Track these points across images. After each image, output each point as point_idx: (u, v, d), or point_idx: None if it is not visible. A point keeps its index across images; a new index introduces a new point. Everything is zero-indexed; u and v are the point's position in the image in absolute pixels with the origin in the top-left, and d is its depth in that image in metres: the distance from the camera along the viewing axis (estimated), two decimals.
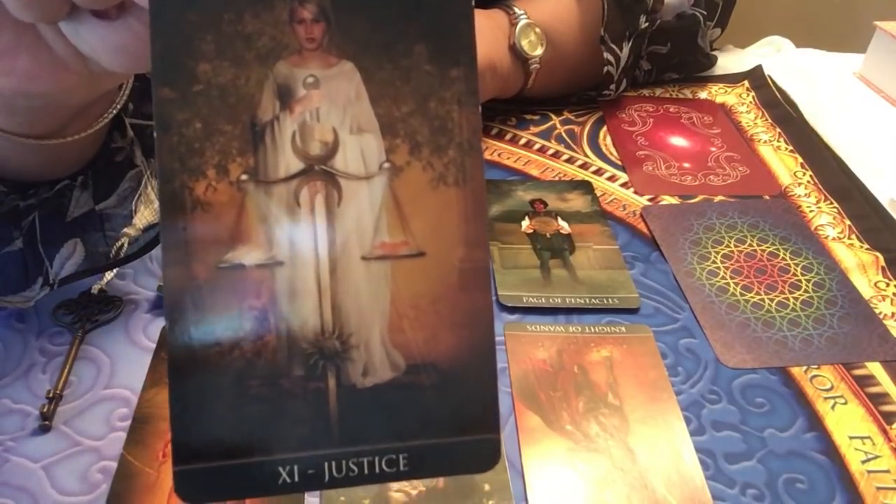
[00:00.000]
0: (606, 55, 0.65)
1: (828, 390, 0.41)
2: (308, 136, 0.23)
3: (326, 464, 0.22)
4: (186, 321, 0.22)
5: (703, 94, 0.73)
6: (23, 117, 0.33)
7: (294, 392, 0.22)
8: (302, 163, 0.22)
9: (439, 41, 0.23)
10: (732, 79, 0.75)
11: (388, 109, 0.23)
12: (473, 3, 0.23)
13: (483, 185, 0.23)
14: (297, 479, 0.22)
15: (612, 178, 0.60)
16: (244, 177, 0.22)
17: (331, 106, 0.23)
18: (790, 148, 0.64)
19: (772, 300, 0.47)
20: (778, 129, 0.67)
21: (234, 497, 0.23)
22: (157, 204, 0.42)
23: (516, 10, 0.62)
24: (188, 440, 0.22)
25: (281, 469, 0.22)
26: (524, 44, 0.61)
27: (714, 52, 0.77)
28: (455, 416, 0.23)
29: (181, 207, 0.22)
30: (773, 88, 0.72)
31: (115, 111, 0.38)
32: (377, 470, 0.23)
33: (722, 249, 0.52)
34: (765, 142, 0.65)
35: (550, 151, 0.63)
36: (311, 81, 0.23)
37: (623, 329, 0.44)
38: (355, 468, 0.23)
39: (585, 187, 0.58)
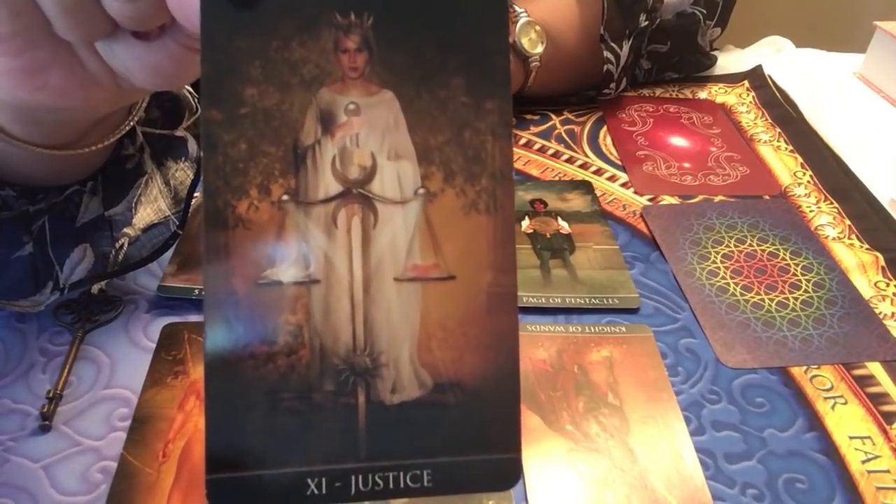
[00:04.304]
0: (606, 53, 0.65)
1: (828, 390, 0.41)
2: (348, 160, 0.24)
3: (353, 477, 0.23)
4: (224, 334, 0.23)
5: (703, 94, 0.73)
6: (44, 128, 0.34)
7: (325, 406, 0.23)
8: (341, 186, 0.23)
9: (476, 74, 0.24)
10: (732, 79, 0.75)
11: (425, 138, 0.24)
12: (510, 38, 0.24)
13: (513, 214, 0.24)
14: (324, 491, 0.23)
15: (612, 178, 0.60)
16: (285, 197, 0.23)
17: (370, 132, 0.24)
18: (790, 148, 0.64)
19: (772, 300, 0.47)
20: (778, 129, 0.67)
21: None
22: (157, 203, 0.42)
23: (516, 8, 0.62)
24: (221, 450, 0.23)
25: (309, 481, 0.23)
26: (524, 42, 0.61)
27: (714, 52, 0.77)
28: (478, 434, 0.24)
29: (224, 224, 0.23)
30: (773, 88, 0.72)
31: (132, 123, 0.38)
32: (402, 485, 0.23)
33: (722, 249, 0.52)
34: (765, 142, 0.65)
35: (550, 151, 0.63)
36: (352, 108, 0.23)
37: (623, 329, 0.44)
38: (381, 482, 0.23)
39: (585, 187, 0.58)
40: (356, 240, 0.24)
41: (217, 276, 0.23)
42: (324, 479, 0.23)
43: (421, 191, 0.24)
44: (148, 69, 0.29)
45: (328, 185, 0.23)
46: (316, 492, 0.23)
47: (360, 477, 0.23)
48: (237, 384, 0.23)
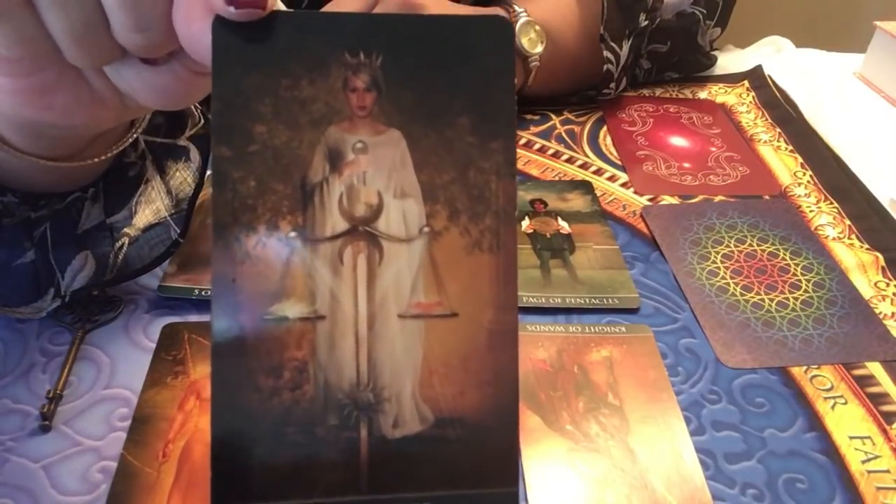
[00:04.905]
0: (606, 53, 0.65)
1: (828, 390, 0.41)
2: (354, 198, 0.24)
3: None
4: (231, 367, 0.23)
5: (703, 94, 0.73)
6: (47, 141, 0.34)
7: (328, 440, 0.24)
8: (347, 223, 0.24)
9: (482, 114, 0.24)
10: (732, 79, 0.75)
11: (431, 176, 0.24)
12: (515, 79, 0.25)
13: (515, 252, 0.25)
14: None
15: (612, 178, 0.60)
16: (293, 234, 0.23)
17: (377, 170, 0.24)
18: (790, 148, 0.64)
19: (772, 300, 0.47)
20: (778, 129, 0.67)
21: None
22: (156, 203, 0.42)
23: (516, 7, 0.62)
24: (227, 481, 0.23)
25: None
26: (524, 42, 0.61)
27: (714, 52, 0.77)
28: (478, 468, 0.24)
29: (232, 259, 0.23)
30: (773, 88, 0.72)
31: (135, 135, 0.38)
32: None
33: (722, 249, 0.52)
34: (765, 142, 0.65)
35: (550, 151, 0.63)
36: (359, 147, 0.24)
37: (623, 329, 0.44)
38: None
39: (585, 187, 0.58)
40: (361, 276, 0.24)
41: (225, 309, 0.23)
42: None
43: (426, 229, 0.24)
44: (154, 91, 0.29)
45: (335, 222, 0.24)
46: None
47: None
48: (243, 417, 0.23)
